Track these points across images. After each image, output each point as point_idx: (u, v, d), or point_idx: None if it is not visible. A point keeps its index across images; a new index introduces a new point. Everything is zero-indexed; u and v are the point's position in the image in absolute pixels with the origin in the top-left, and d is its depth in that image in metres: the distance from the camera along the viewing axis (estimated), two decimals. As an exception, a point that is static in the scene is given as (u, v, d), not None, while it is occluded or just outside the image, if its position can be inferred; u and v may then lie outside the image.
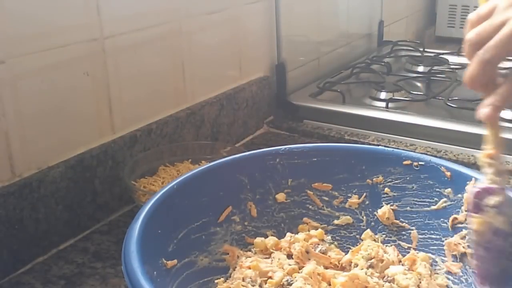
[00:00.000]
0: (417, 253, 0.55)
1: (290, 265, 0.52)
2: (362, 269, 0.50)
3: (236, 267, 0.53)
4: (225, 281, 0.52)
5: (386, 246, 0.56)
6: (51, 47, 0.62)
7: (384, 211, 0.57)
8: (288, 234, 0.56)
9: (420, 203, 0.56)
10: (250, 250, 0.56)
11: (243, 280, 0.50)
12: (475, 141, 0.84)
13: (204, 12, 0.84)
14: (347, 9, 1.28)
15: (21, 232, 0.59)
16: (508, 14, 0.42)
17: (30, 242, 0.60)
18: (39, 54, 0.61)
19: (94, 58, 0.67)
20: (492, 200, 0.44)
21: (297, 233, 0.57)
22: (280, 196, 0.58)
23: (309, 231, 0.58)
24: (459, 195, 0.53)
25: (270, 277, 0.51)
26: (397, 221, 0.57)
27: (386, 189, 0.57)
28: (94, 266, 0.60)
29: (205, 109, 0.84)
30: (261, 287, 0.50)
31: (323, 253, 0.54)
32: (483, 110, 0.45)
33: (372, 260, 0.52)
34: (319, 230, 0.58)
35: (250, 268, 0.51)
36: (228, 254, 0.54)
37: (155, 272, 0.44)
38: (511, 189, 0.46)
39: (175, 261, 0.48)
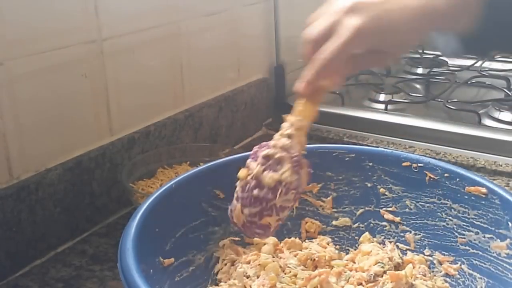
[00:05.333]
0: (417, 255, 0.55)
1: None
2: None
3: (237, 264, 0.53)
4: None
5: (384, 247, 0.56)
6: (49, 49, 0.62)
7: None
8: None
9: (419, 205, 0.56)
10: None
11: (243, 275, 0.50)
12: (474, 143, 0.85)
13: (203, 14, 0.84)
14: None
15: (18, 235, 0.59)
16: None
17: (27, 245, 0.60)
18: (37, 56, 0.61)
19: (92, 60, 0.67)
20: (264, 152, 0.45)
21: (299, 232, 0.58)
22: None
23: (314, 231, 0.58)
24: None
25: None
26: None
27: (385, 191, 0.57)
28: (92, 269, 0.60)
29: (203, 111, 0.84)
30: (257, 277, 0.50)
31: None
32: (299, 84, 0.45)
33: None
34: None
35: (249, 263, 0.51)
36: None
37: (151, 270, 0.45)
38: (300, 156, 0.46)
39: (172, 259, 0.49)
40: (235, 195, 0.47)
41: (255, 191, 0.45)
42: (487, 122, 0.91)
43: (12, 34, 0.58)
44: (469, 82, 1.10)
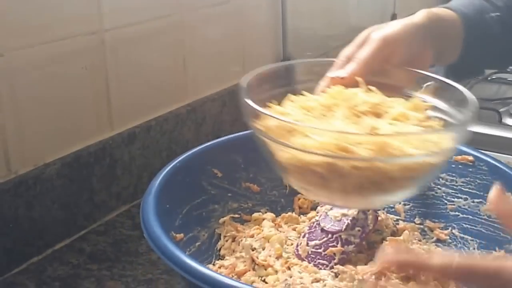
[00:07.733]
0: (408, 224, 0.57)
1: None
2: None
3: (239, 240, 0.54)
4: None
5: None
6: (49, 40, 0.60)
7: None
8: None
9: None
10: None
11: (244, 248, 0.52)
12: (495, 143, 0.82)
13: (207, 5, 0.82)
14: (357, 0, 1.25)
15: (15, 231, 0.58)
16: None
17: (25, 242, 0.59)
18: (38, 47, 0.59)
19: (93, 52, 0.66)
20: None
21: (293, 209, 0.59)
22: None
23: (306, 207, 0.60)
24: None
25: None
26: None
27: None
28: (90, 268, 0.59)
29: (206, 106, 0.82)
30: (263, 249, 0.51)
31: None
32: None
33: None
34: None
35: (252, 237, 0.53)
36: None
37: None
38: None
39: (182, 234, 0.50)
40: (303, 233, 0.51)
41: (322, 224, 0.50)
42: (509, 121, 0.89)
43: (12, 24, 0.56)
44: (489, 78, 1.07)
